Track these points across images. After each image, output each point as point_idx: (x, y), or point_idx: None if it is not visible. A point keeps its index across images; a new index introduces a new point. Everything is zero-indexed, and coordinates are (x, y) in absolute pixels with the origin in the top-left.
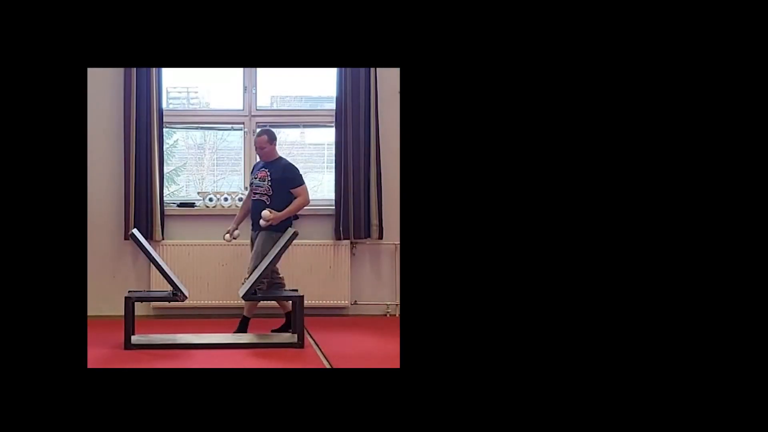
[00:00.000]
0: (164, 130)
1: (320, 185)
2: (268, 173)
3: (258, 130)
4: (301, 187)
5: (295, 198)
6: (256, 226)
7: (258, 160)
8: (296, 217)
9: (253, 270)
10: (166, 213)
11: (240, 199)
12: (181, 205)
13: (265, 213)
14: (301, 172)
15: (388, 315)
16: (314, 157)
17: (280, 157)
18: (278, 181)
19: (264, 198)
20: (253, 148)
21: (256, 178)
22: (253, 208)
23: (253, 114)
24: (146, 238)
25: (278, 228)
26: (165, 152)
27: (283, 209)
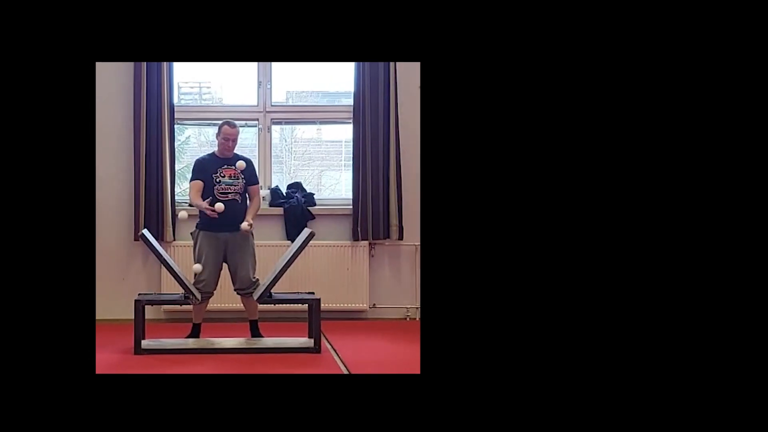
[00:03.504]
0: (175, 126)
1: (337, 184)
2: (239, 171)
3: (225, 121)
4: (258, 185)
5: (252, 196)
6: (227, 228)
7: (205, 155)
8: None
9: (238, 270)
10: (177, 213)
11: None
12: (191, 205)
13: (244, 225)
14: None
15: (408, 319)
16: (331, 155)
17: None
18: (249, 180)
19: (237, 197)
20: (267, 145)
21: (223, 177)
22: (225, 209)
23: (267, 110)
24: (157, 239)
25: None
26: (176, 149)
27: (245, 210)
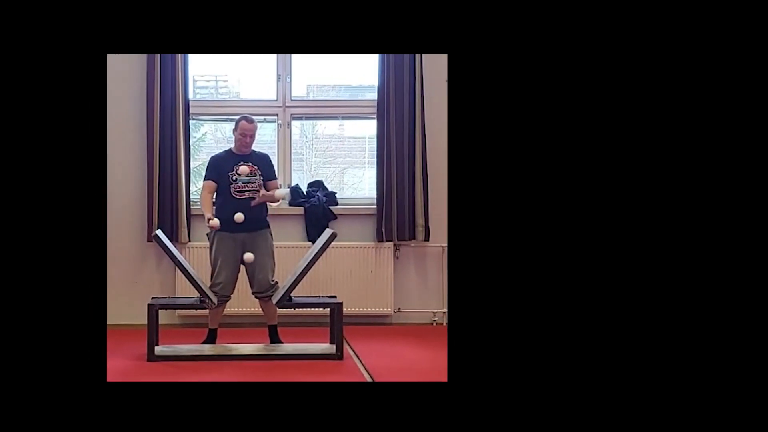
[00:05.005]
0: (191, 122)
1: (360, 182)
2: (257, 168)
3: (242, 116)
4: (277, 180)
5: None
6: (244, 228)
7: (221, 152)
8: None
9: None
10: (192, 212)
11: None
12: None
13: (244, 168)
14: None
15: (434, 324)
16: (354, 152)
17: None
18: (266, 174)
19: (254, 195)
20: (286, 141)
21: (240, 175)
22: (241, 208)
23: (287, 104)
24: (171, 240)
25: (266, 224)
26: (191, 146)
27: (263, 208)
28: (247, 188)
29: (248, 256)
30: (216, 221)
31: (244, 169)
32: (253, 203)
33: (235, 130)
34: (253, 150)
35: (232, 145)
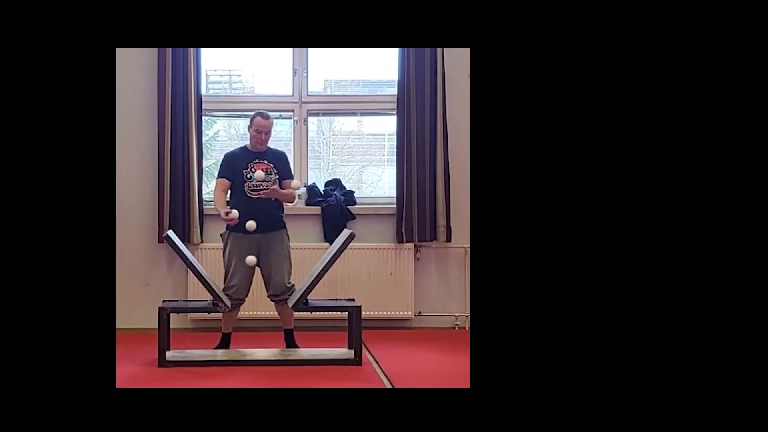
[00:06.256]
0: (203, 118)
1: (380, 181)
2: (272, 165)
3: (257, 112)
4: (293, 179)
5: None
6: (259, 229)
7: (236, 149)
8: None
9: (272, 276)
10: (205, 213)
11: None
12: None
13: (296, 182)
14: None
15: (456, 328)
16: (373, 149)
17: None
18: (282, 173)
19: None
20: (302, 138)
21: (254, 172)
22: (255, 208)
23: (303, 100)
24: (183, 241)
25: (283, 225)
26: (204, 144)
27: (279, 207)
28: (261, 187)
29: (250, 259)
30: (235, 212)
31: (260, 174)
32: (263, 193)
33: (249, 126)
34: (268, 147)
35: (247, 142)
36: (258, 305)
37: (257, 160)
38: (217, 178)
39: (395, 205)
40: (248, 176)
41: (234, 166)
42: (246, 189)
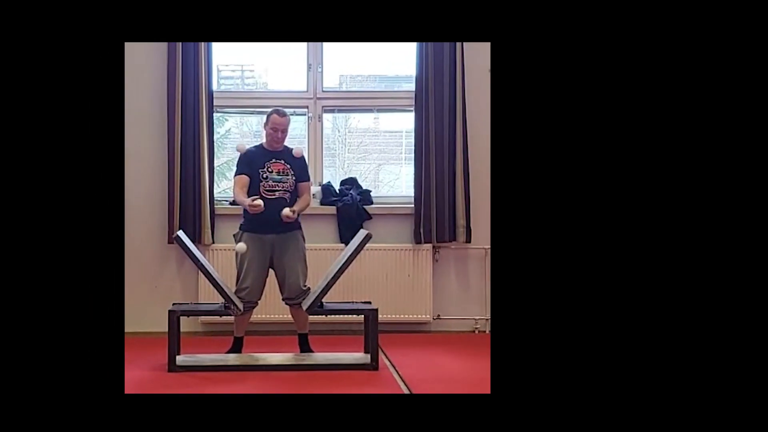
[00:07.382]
0: (215, 115)
1: (397, 180)
2: (289, 166)
3: (274, 109)
4: (309, 182)
5: (301, 193)
6: (273, 229)
7: (252, 147)
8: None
9: (287, 277)
10: (216, 213)
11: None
12: (234, 203)
13: (287, 212)
14: None
15: (476, 332)
16: (390, 147)
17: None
18: (299, 176)
19: (285, 195)
20: (317, 135)
21: (271, 173)
22: (271, 208)
23: (318, 96)
24: (193, 242)
25: (297, 225)
26: (215, 142)
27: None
28: (277, 188)
29: (240, 246)
30: (260, 201)
31: (286, 211)
32: (285, 220)
33: (266, 124)
34: (285, 146)
35: (263, 140)
36: (271, 308)
37: (274, 160)
38: (236, 175)
39: (413, 205)
40: (264, 176)
41: (251, 163)
42: (261, 189)
